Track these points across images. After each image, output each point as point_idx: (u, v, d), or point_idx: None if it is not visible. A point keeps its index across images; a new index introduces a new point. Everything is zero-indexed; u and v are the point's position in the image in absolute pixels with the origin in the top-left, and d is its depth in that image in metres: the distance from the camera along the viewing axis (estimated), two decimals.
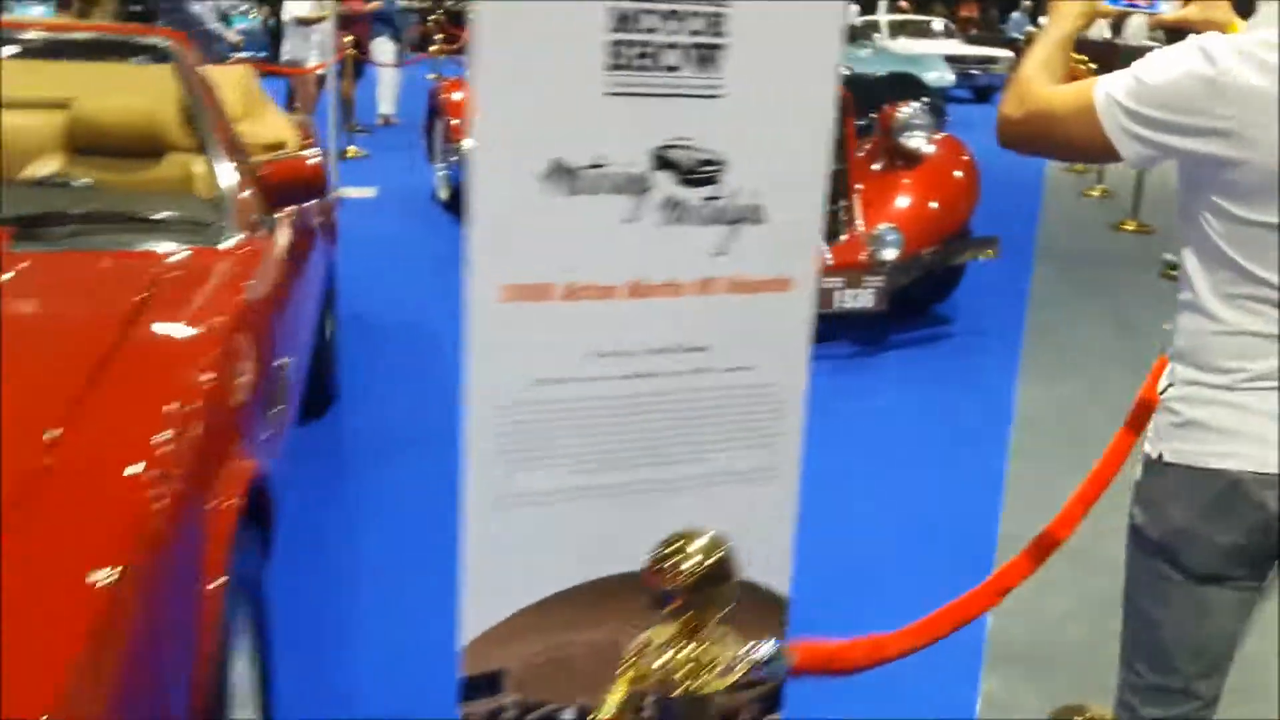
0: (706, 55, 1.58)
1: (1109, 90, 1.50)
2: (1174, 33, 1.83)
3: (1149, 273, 6.87)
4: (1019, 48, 21.55)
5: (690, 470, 1.71)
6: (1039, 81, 1.59)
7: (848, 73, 11.42)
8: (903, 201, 5.23)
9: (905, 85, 10.95)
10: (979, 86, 18.82)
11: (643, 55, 1.55)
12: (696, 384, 1.68)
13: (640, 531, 1.65)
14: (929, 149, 5.44)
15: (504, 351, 1.57)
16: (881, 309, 4.92)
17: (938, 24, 19.69)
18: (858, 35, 16.50)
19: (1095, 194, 9.78)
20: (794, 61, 1.64)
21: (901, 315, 5.58)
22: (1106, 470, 2.36)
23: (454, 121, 7.37)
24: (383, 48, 11.74)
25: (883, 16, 19.47)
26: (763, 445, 1.76)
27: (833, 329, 5.23)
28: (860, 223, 5.16)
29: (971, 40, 21.06)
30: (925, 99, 10.66)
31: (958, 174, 5.44)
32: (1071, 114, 1.53)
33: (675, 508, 1.71)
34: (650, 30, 1.54)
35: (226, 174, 2.64)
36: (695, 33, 1.57)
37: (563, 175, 1.54)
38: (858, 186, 5.30)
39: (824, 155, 1.70)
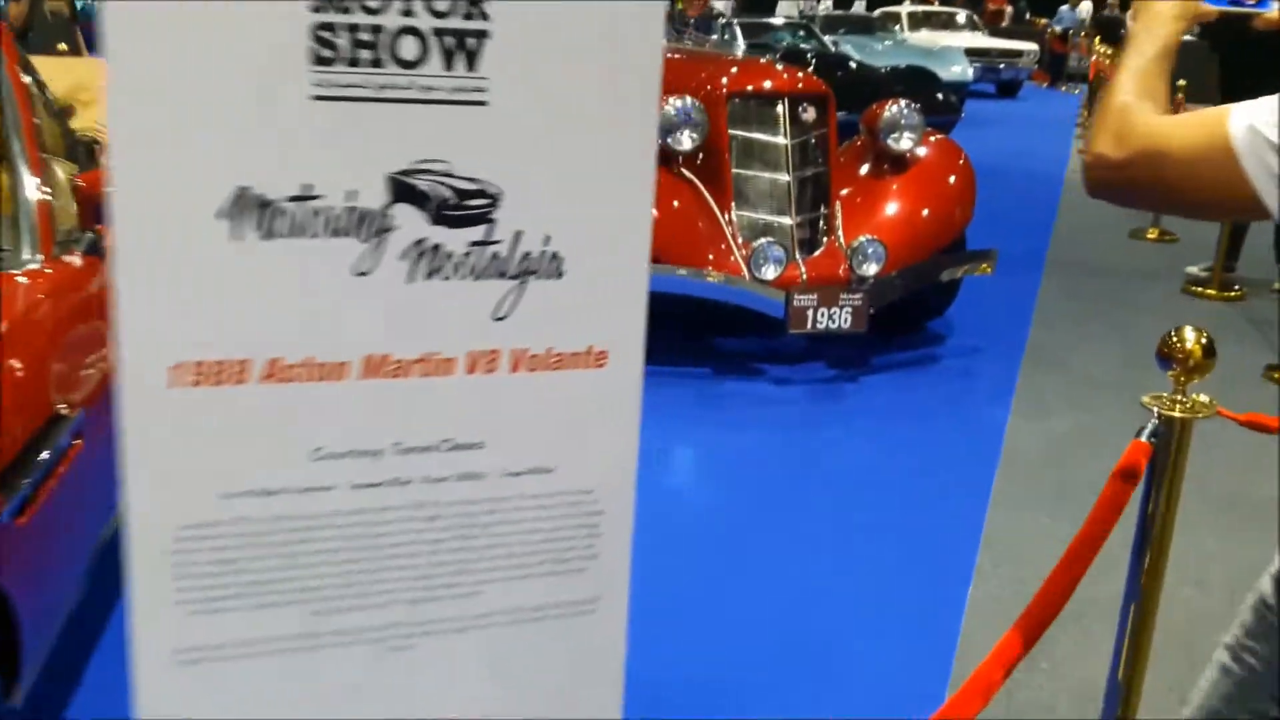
0: (462, 45, 1.13)
1: (1252, 122, 1.08)
2: (1219, 29, 1.37)
3: (1169, 287, 6.33)
4: (1054, 40, 20.94)
5: (466, 608, 1.25)
6: (1141, 112, 1.17)
7: (854, 65, 10.92)
8: (888, 210, 4.74)
9: (917, 80, 10.41)
10: (1003, 81, 18.22)
11: (364, 45, 1.09)
12: (471, 493, 1.22)
13: (396, 693, 1.20)
14: (920, 151, 4.94)
15: (179, 456, 1.12)
16: (860, 330, 4.43)
17: (961, 16, 19.06)
18: (876, 27, 15.94)
19: None
20: (597, 56, 1.18)
21: (890, 333, 5.09)
22: (1097, 529, 1.87)
23: None
24: None
25: (904, 8, 18.87)
26: (574, 571, 1.29)
27: (808, 349, 4.76)
28: (841, 233, 4.67)
29: (996, 33, 20.42)
30: (939, 94, 10.16)
31: (951, 179, 4.94)
32: (1197, 155, 1.11)
33: (449, 655, 1.26)
34: (373, 10, 1.09)
35: (28, 185, 2.21)
36: (441, 14, 1.11)
37: (253, 211, 1.09)
38: (841, 192, 4.81)
39: (647, 184, 1.24)
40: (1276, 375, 4.82)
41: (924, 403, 4.36)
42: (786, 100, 4.64)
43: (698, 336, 4.94)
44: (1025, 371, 4.74)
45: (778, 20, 13.97)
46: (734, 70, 4.83)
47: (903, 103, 4.86)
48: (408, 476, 1.19)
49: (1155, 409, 1.83)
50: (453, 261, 1.16)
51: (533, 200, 1.18)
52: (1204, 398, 1.88)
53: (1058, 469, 3.79)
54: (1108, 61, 13.24)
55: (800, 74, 4.83)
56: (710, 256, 4.44)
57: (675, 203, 4.48)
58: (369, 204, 1.12)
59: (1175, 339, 1.80)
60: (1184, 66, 1.34)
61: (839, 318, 4.40)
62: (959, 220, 4.84)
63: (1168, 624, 2.16)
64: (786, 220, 4.63)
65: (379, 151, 1.12)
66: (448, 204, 1.15)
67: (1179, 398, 1.84)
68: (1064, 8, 21.58)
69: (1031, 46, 18.50)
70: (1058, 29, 21.43)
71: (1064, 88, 20.66)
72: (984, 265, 4.78)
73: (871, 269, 4.48)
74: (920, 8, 20.08)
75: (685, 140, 4.53)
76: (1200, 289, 6.24)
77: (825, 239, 4.69)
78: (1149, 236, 7.65)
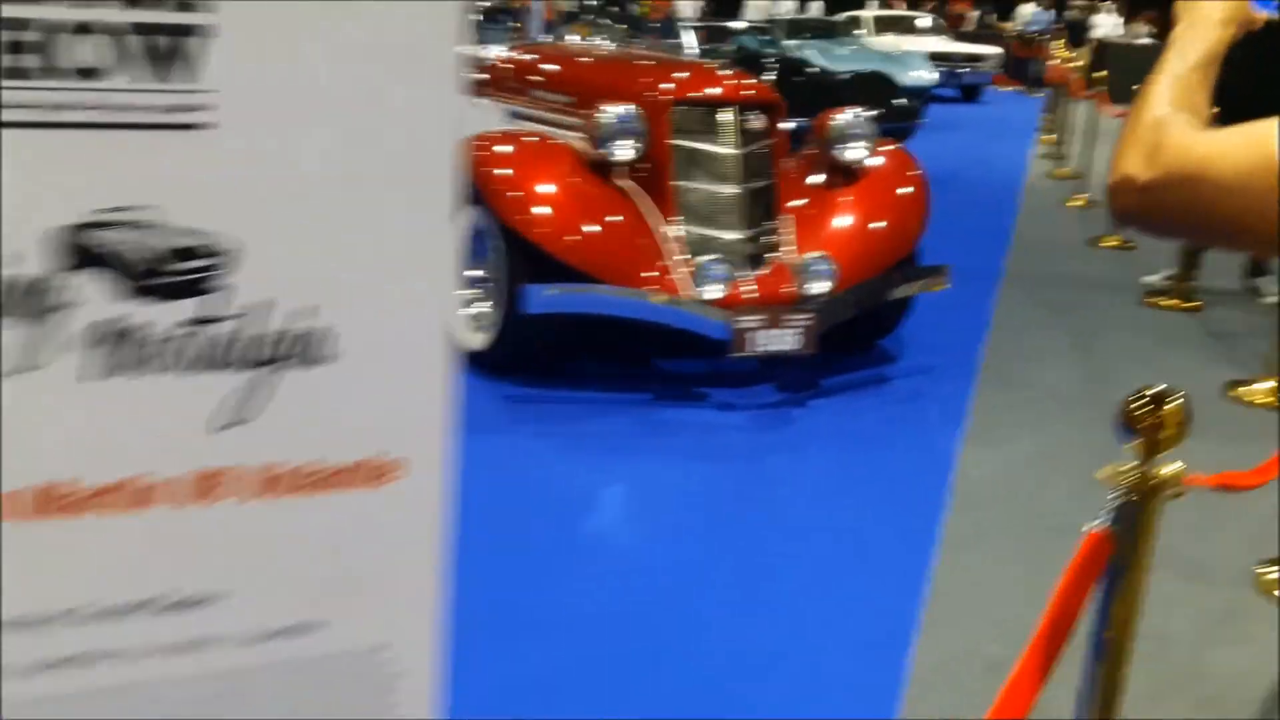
0: (176, 47, 0.80)
1: None
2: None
3: (1129, 298, 6.07)
4: (1017, 44, 20.79)
5: None
6: (1176, 126, 0.99)
7: (812, 70, 10.63)
8: (838, 224, 4.44)
9: (876, 85, 10.13)
10: (966, 85, 18.04)
11: (25, 47, 0.77)
12: (198, 668, 0.89)
13: None
14: (872, 162, 4.65)
15: None
16: (809, 352, 4.13)
17: (925, 20, 18.86)
18: (839, 31, 15.69)
19: (1079, 203, 8.97)
20: (375, 60, 0.86)
21: (840, 352, 4.79)
22: (1058, 631, 1.57)
23: None
24: None
25: (868, 12, 18.65)
26: None
27: (755, 371, 4.45)
28: (791, 249, 4.37)
29: (960, 37, 20.25)
30: (898, 100, 9.88)
31: (904, 190, 4.65)
32: (1241, 176, 0.92)
33: None
34: None
35: None
36: (138, 3, 0.78)
37: None
38: (791, 205, 4.51)
39: (447, 233, 0.92)
40: (1238, 392, 4.56)
41: (874, 428, 4.07)
42: (734, 108, 4.33)
43: (638, 358, 4.62)
44: (980, 391, 4.46)
45: (740, 24, 13.68)
46: (679, 76, 4.52)
47: (853, 111, 4.56)
48: (103, 650, 0.86)
49: (1115, 488, 1.52)
50: (161, 348, 0.83)
51: (286, 258, 0.86)
52: (1172, 467, 1.56)
53: (1011, 502, 3.50)
54: (1068, 65, 13.04)
55: (748, 80, 4.52)
56: (649, 274, 4.12)
57: (612, 217, 4.16)
58: (31, 271, 0.79)
59: (1141, 406, 1.47)
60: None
61: (786, 339, 4.10)
62: (912, 234, 4.55)
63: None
64: (733, 235, 4.32)
65: (49, 197, 0.79)
66: (152, 268, 0.82)
67: (1145, 470, 1.53)
68: (1034, 9, 21.44)
69: (995, 50, 18.33)
70: (1017, 29, 21.31)
71: (1029, 91, 20.53)
72: (938, 281, 4.49)
73: (821, 287, 4.18)
74: (885, 12, 19.87)
75: (624, 149, 4.21)
76: (1160, 299, 5.99)
77: (773, 255, 4.38)
78: (1108, 244, 7.41)
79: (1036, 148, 12.76)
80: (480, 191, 4.15)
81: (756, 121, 4.40)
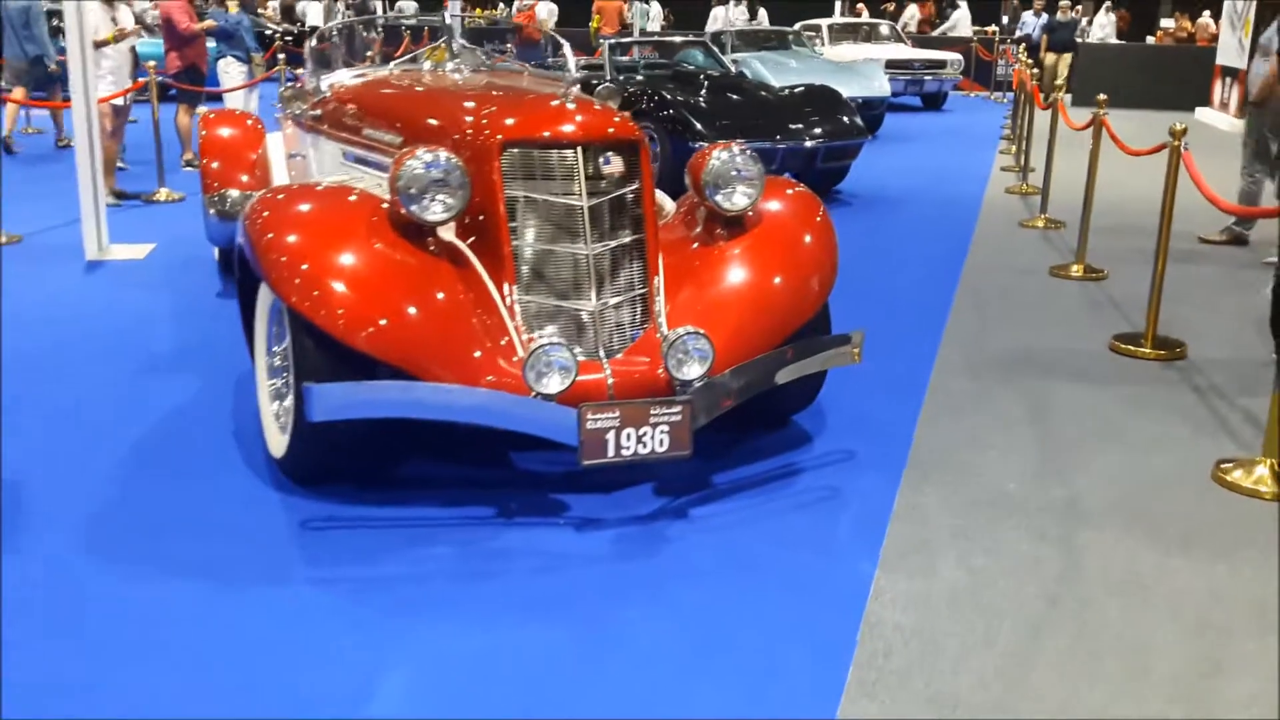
0: None
1: None
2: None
3: (1092, 345, 5.16)
4: (980, 49, 19.90)
5: None
6: None
7: (750, 87, 9.71)
8: (717, 289, 3.52)
9: (819, 100, 9.25)
10: (927, 93, 17.21)
11: None
12: None
13: None
14: (766, 207, 3.73)
15: None
16: (683, 453, 3.20)
17: (884, 28, 18.01)
18: (794, 42, 14.80)
19: (1039, 224, 8.07)
20: None
21: (741, 433, 3.88)
22: None
23: (213, 164, 5.64)
24: (229, 70, 10.02)
25: (825, 20, 17.78)
26: None
27: (631, 468, 3.52)
28: (663, 321, 3.44)
29: (922, 43, 19.44)
30: (844, 117, 8.98)
31: (806, 239, 3.73)
32: None
33: None
34: None
35: None
36: None
37: None
38: (664, 266, 3.58)
39: None
40: (1225, 470, 3.65)
41: (768, 554, 3.13)
42: (580, 150, 3.41)
43: (492, 455, 3.70)
44: (905, 492, 3.53)
45: (679, 37, 12.77)
46: (513, 110, 3.57)
47: (734, 148, 3.64)
48: None
49: None
50: None
51: None
52: None
53: (926, 672, 2.57)
54: (1029, 71, 12.18)
55: (605, 113, 3.59)
56: (474, 363, 3.19)
57: (427, 292, 3.23)
58: None
59: None
60: None
61: (651, 441, 3.17)
62: (814, 295, 3.62)
63: None
64: (586, 306, 3.40)
65: None
66: None
67: None
68: (1028, 14, 20.64)
69: (956, 56, 17.48)
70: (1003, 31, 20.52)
71: (992, 96, 19.68)
72: (845, 354, 3.56)
73: (693, 371, 3.26)
74: (842, 19, 19.02)
75: (435, 208, 3.28)
76: (1131, 347, 5.07)
77: (639, 331, 3.46)
78: (1073, 273, 6.50)
79: (1001, 158, 11.88)
80: (261, 264, 3.22)
81: (615, 165, 3.47)
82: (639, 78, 9.91)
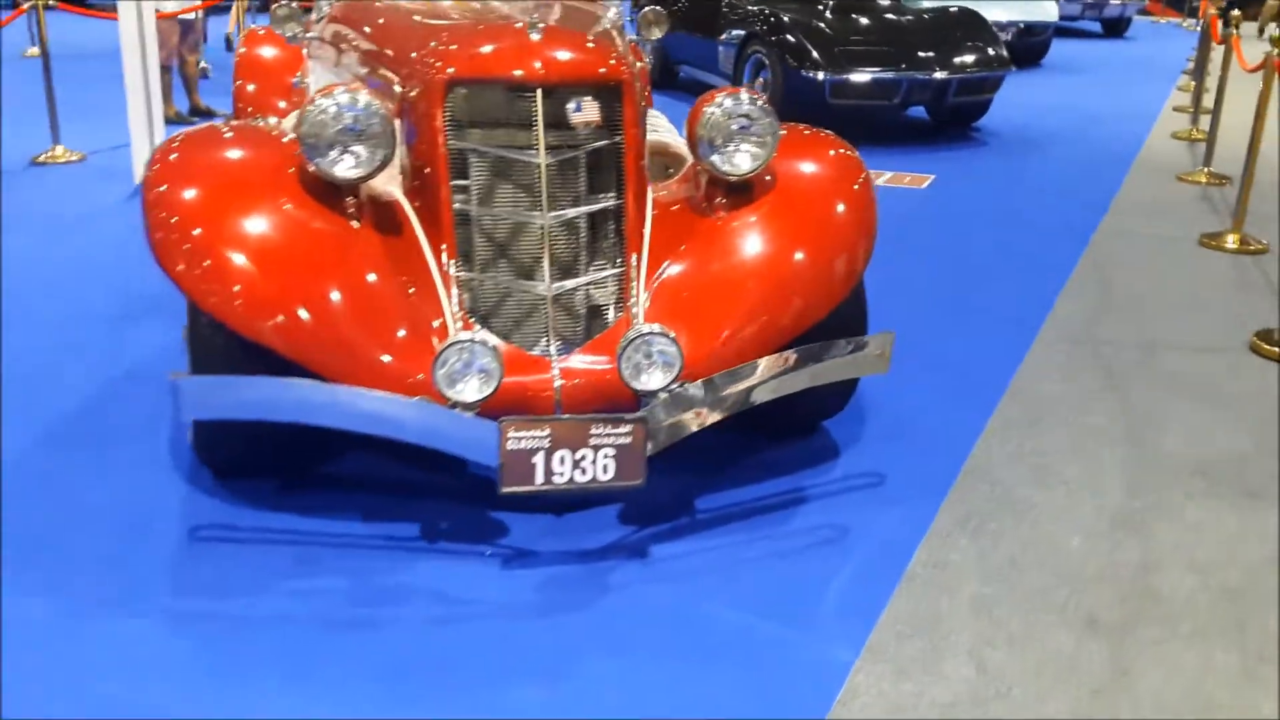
0: None
1: None
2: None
3: (1232, 340, 4.14)
4: None
5: None
6: None
7: (882, 6, 8.60)
8: (709, 274, 2.78)
9: (963, 25, 8.15)
10: (1107, 19, 15.45)
11: None
12: None
13: None
14: (790, 167, 2.95)
15: None
16: (634, 482, 2.52)
17: None
18: None
19: (1200, 179, 6.85)
20: None
21: (752, 441, 3.18)
22: None
23: (248, 86, 5.16)
24: None
25: None
26: None
27: (574, 497, 2.87)
28: (640, 312, 2.74)
29: None
30: (986, 45, 7.86)
31: (837, 210, 2.93)
32: None
33: None
34: None
35: None
36: None
37: None
38: (647, 239, 2.85)
39: None
40: None
41: (726, 622, 2.44)
42: (540, 93, 2.70)
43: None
44: (932, 541, 2.75)
45: None
46: (465, 40, 2.85)
47: (740, 94, 2.86)
48: None
49: None
50: None
51: None
52: None
53: None
54: None
55: (579, 45, 2.82)
56: (391, 356, 2.58)
57: (337, 269, 2.62)
58: None
59: None
60: None
61: (593, 467, 2.50)
62: (840, 280, 2.84)
63: None
64: (537, 288, 2.73)
65: None
66: None
67: None
68: None
69: None
70: None
71: (1185, 23, 17.58)
72: (872, 358, 2.77)
73: (654, 380, 2.56)
74: None
75: (346, 161, 2.65)
76: (1277, 350, 4.05)
77: (602, 322, 2.77)
78: (1227, 244, 5.39)
79: (1177, 96, 10.41)
80: (145, 227, 2.67)
81: (588, 112, 2.75)
82: None
